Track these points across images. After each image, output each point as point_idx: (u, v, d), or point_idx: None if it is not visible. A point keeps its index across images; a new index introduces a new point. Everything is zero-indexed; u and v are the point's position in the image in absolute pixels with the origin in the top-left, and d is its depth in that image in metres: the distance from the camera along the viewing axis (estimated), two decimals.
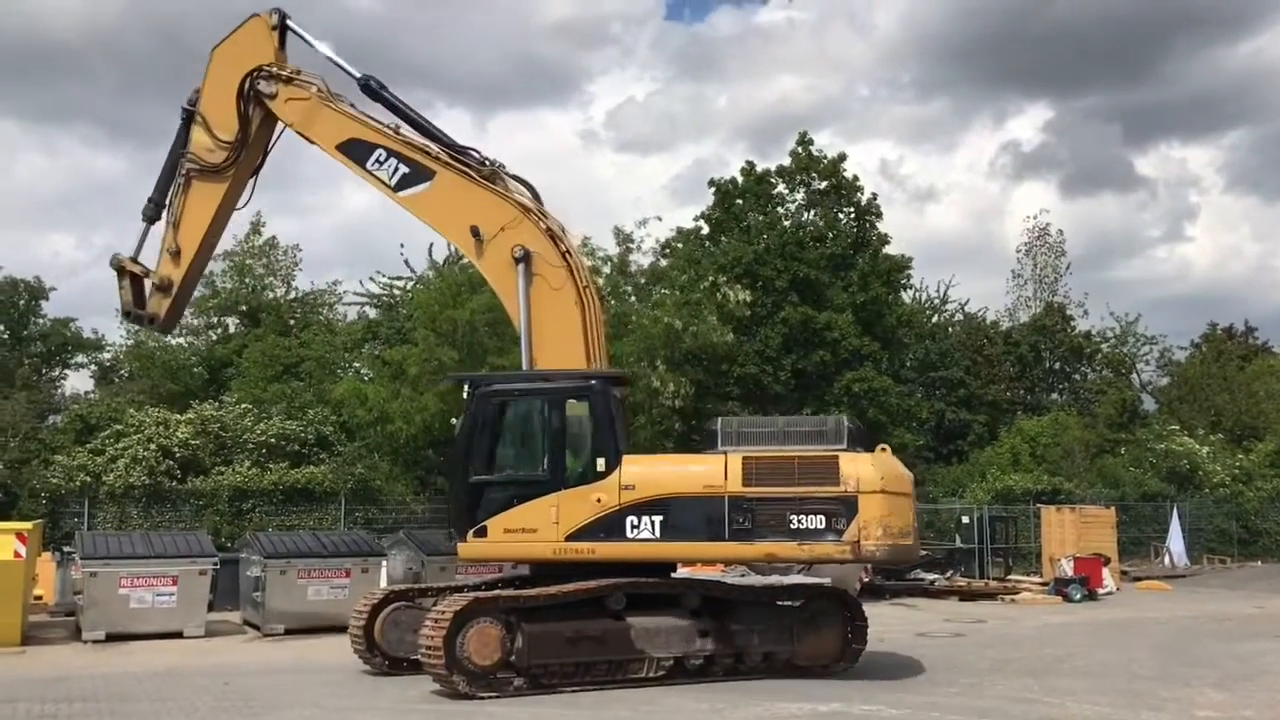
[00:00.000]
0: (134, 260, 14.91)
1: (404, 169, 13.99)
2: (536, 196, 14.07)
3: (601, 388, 12.89)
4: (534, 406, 13.00)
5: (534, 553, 12.52)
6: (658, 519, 12.23)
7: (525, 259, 13.38)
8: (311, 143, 14.52)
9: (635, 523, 12.24)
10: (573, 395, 12.85)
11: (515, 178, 14.16)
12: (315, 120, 14.38)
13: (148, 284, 14.85)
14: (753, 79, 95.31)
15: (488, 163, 14.01)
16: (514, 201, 13.82)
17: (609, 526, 12.24)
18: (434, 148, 14.05)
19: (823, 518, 12.03)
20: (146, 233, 14.98)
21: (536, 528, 12.32)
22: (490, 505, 12.53)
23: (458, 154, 14.04)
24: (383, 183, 14.03)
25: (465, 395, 13.18)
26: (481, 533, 12.45)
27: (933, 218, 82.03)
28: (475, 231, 13.63)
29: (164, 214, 14.85)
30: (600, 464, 12.47)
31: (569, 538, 12.27)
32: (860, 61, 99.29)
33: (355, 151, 14.23)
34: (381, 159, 14.07)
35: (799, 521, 12.07)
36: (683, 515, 12.25)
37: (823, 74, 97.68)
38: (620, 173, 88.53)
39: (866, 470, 12.17)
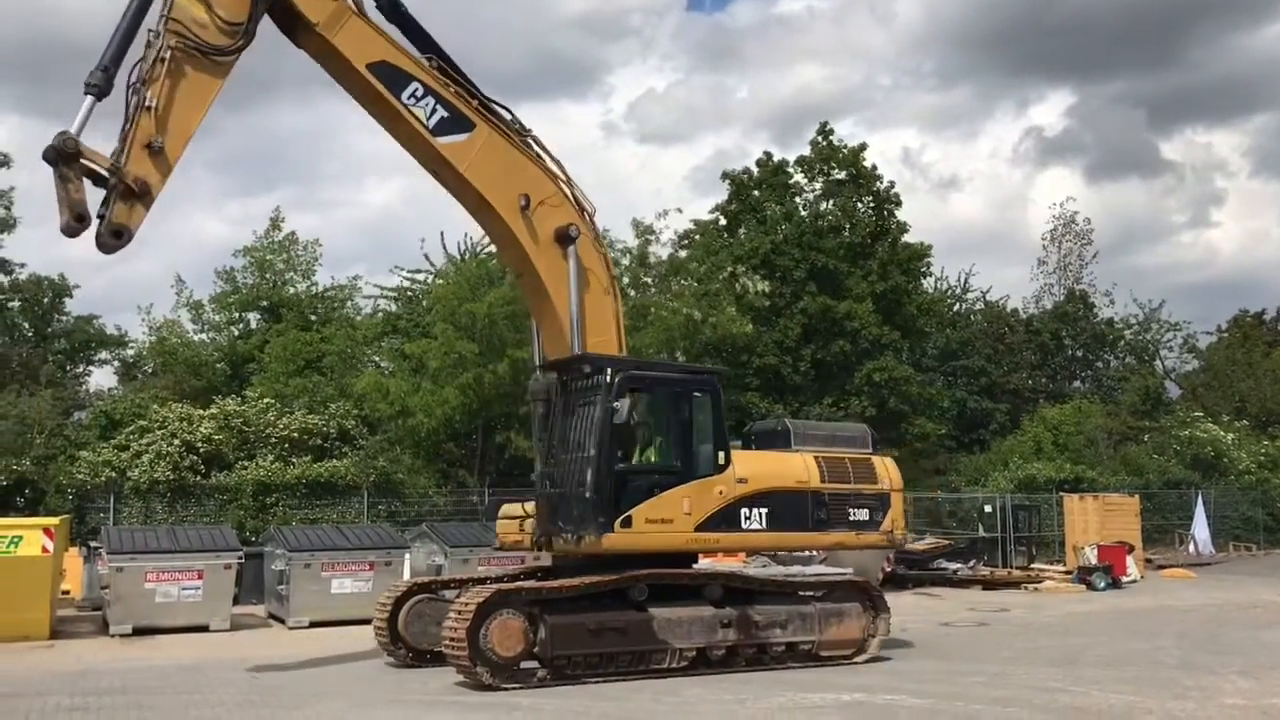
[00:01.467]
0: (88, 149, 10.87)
1: (442, 112, 12.53)
2: (566, 174, 13.47)
3: (719, 382, 13.39)
4: (669, 396, 13.03)
5: (672, 543, 12.55)
6: (765, 510, 12.96)
7: (572, 239, 13.11)
8: (333, 59, 12.35)
9: (748, 514, 12.85)
10: (697, 388, 13.10)
11: (546, 151, 13.38)
12: (344, 28, 12.28)
13: (111, 186, 11.03)
14: (774, 69, 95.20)
15: (521, 127, 13.19)
16: (555, 175, 13.29)
17: (728, 517, 12.73)
18: (469, 98, 12.86)
19: (868, 511, 13.80)
20: (91, 111, 11.00)
21: (672, 518, 12.42)
22: (634, 495, 12.25)
23: (493, 110, 13.10)
24: (420, 121, 12.46)
25: (606, 380, 12.32)
26: (627, 523, 12.16)
27: (956, 206, 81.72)
28: (525, 201, 12.93)
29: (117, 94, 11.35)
30: (721, 456, 12.81)
31: (698, 528, 12.56)
32: (881, 50, 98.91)
33: (388, 78, 12.38)
34: (419, 94, 12.45)
35: (854, 514, 13.73)
36: (783, 507, 13.13)
37: (844, 63, 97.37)
38: (641, 164, 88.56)
39: (894, 471, 14.44)
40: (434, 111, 12.45)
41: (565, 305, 13.01)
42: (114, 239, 10.97)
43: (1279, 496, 36.12)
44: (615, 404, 12.11)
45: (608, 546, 11.98)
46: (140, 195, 11.05)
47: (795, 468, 13.51)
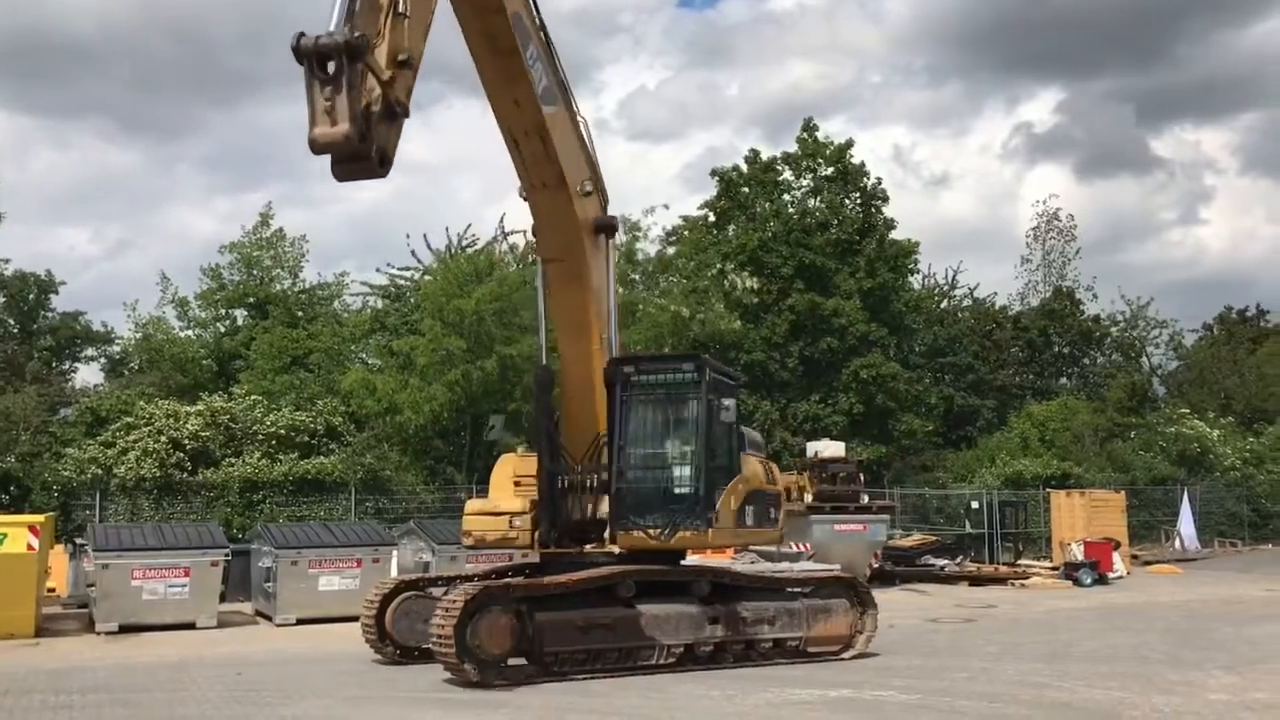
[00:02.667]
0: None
1: (545, 79, 11.97)
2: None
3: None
4: (731, 397, 13.27)
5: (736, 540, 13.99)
6: (753, 508, 13.41)
7: (613, 230, 13.29)
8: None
9: (748, 511, 13.33)
10: (736, 391, 13.98)
11: (591, 138, 13.01)
12: None
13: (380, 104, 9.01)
14: (764, 66, 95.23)
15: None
16: (595, 164, 13.09)
17: (741, 515, 13.15)
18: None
19: (770, 510, 14.09)
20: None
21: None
22: (716, 494, 12.68)
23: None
24: (534, 84, 11.70)
25: (708, 380, 12.81)
26: (716, 519, 12.53)
27: (946, 203, 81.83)
28: (586, 185, 12.75)
29: None
30: (740, 457, 13.34)
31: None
32: (872, 48, 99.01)
33: (521, 31, 11.46)
34: (534, 57, 11.71)
35: (771, 514, 14.10)
36: (759, 505, 13.62)
37: (835, 61, 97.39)
38: (632, 161, 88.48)
39: (781, 476, 15.22)
40: (541, 77, 11.84)
41: (599, 295, 12.99)
42: (381, 166, 9.16)
43: (1264, 493, 36.29)
44: (725, 404, 12.70)
45: (713, 540, 12.88)
46: (398, 116, 9.34)
47: (761, 469, 14.07)
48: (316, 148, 8.57)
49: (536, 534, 12.66)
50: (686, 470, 12.62)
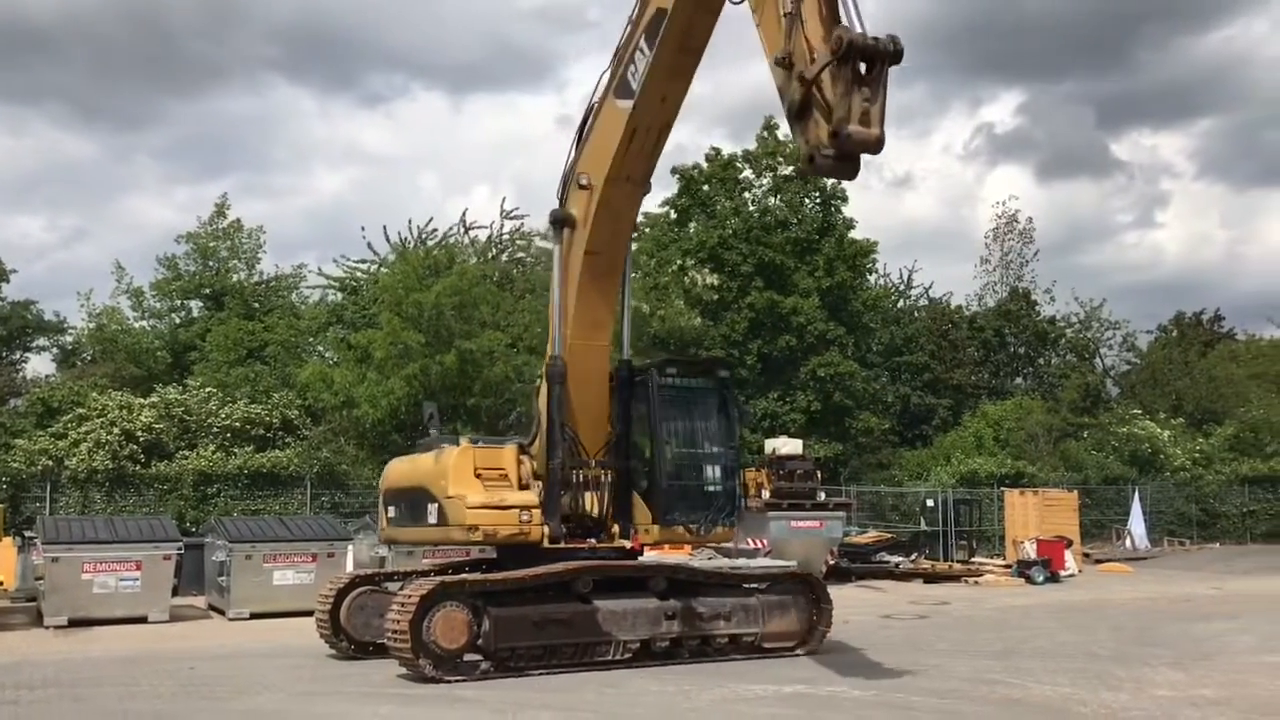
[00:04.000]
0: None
1: None
2: None
3: None
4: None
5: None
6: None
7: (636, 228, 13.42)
8: None
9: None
10: None
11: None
12: None
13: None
14: (731, 65, 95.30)
15: None
16: None
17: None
18: None
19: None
20: None
21: None
22: (739, 490, 13.38)
23: None
24: (688, 88, 12.13)
25: (723, 381, 13.50)
26: (740, 515, 13.26)
27: (909, 204, 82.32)
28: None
29: None
30: None
31: None
32: None
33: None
34: None
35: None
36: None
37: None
38: None
39: None
40: None
41: (621, 287, 13.32)
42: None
43: (1212, 493, 36.89)
44: (748, 407, 12.90)
45: (734, 535, 13.65)
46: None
47: None
48: (849, 145, 9.06)
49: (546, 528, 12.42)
50: (719, 469, 13.22)
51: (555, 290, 12.73)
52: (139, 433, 25.57)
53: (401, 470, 14.04)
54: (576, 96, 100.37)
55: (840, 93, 9.00)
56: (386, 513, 14.06)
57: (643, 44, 11.76)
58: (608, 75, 12.25)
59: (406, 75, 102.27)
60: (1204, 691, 10.83)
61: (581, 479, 12.64)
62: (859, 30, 9.09)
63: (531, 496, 12.49)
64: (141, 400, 26.91)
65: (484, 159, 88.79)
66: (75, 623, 16.11)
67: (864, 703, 10.31)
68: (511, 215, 37.52)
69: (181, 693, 10.92)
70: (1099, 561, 29.66)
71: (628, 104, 11.91)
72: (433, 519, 12.70)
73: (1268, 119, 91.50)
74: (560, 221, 12.68)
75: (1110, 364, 51.11)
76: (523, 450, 12.95)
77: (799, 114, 9.53)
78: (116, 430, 25.26)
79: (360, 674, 11.99)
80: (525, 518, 12.31)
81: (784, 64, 9.79)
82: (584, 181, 12.41)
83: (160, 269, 38.75)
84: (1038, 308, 47.86)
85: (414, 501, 13.13)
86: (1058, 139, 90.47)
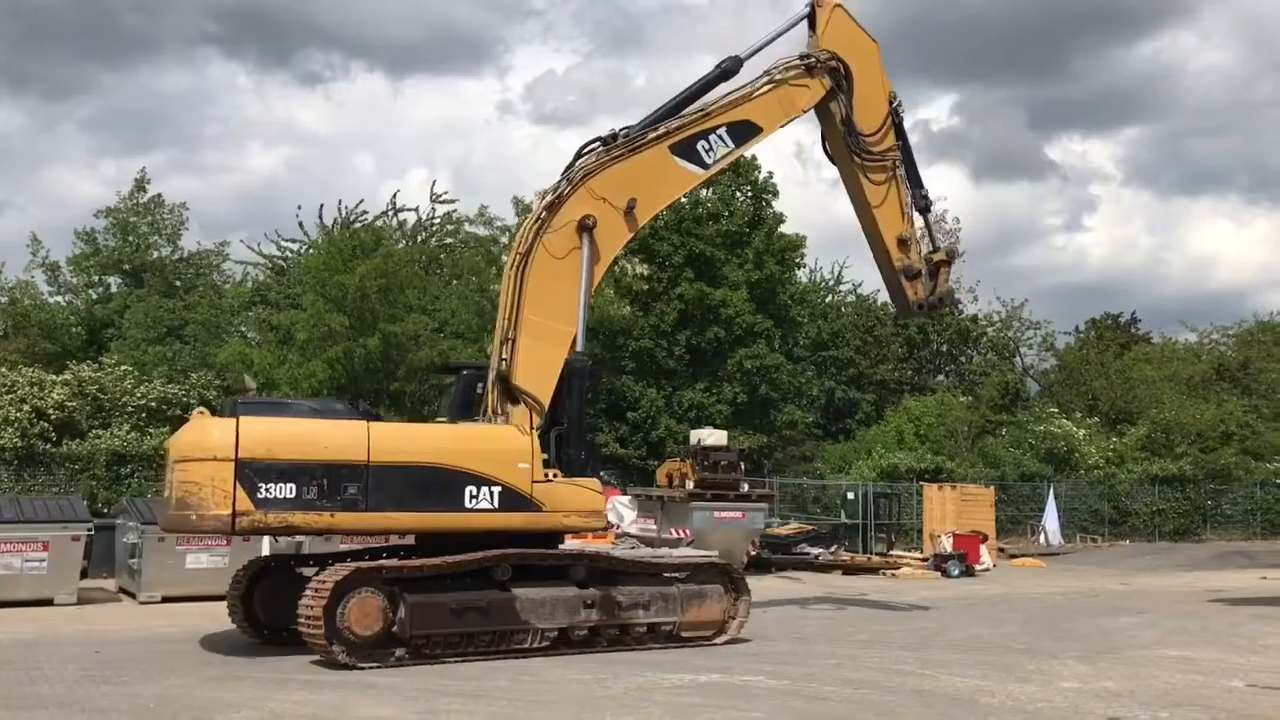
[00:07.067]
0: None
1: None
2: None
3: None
4: None
5: None
6: None
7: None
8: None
9: None
10: None
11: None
12: None
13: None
14: (673, 56, 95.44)
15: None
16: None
17: None
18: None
19: None
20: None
21: None
22: None
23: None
24: None
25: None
26: None
27: (844, 202, 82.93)
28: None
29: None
30: None
31: None
32: (779, 45, 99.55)
33: None
34: None
35: None
36: None
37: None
38: (536, 145, 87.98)
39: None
40: None
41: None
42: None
43: (1124, 491, 37.79)
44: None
45: None
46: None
47: None
48: (943, 307, 18.76)
49: None
50: None
51: (583, 290, 13.53)
52: (50, 410, 24.92)
53: None
54: (519, 83, 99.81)
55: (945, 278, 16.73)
56: None
57: (725, 135, 14.69)
58: (666, 126, 14.34)
59: (345, 55, 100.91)
60: (1108, 684, 11.08)
61: None
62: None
63: None
64: (54, 377, 26.22)
65: (421, 142, 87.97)
66: None
67: (778, 692, 10.38)
68: (441, 199, 37.21)
69: (85, 677, 10.66)
70: (1013, 557, 30.24)
71: (695, 170, 14.57)
72: None
73: (1192, 129, 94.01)
74: (590, 229, 13.56)
75: (1030, 363, 52.14)
76: None
77: (911, 278, 16.24)
78: (26, 407, 24.59)
79: (272, 659, 11.80)
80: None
81: (904, 243, 16.22)
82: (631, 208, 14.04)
83: (78, 244, 37.79)
84: (961, 306, 48.64)
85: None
86: (991, 141, 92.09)
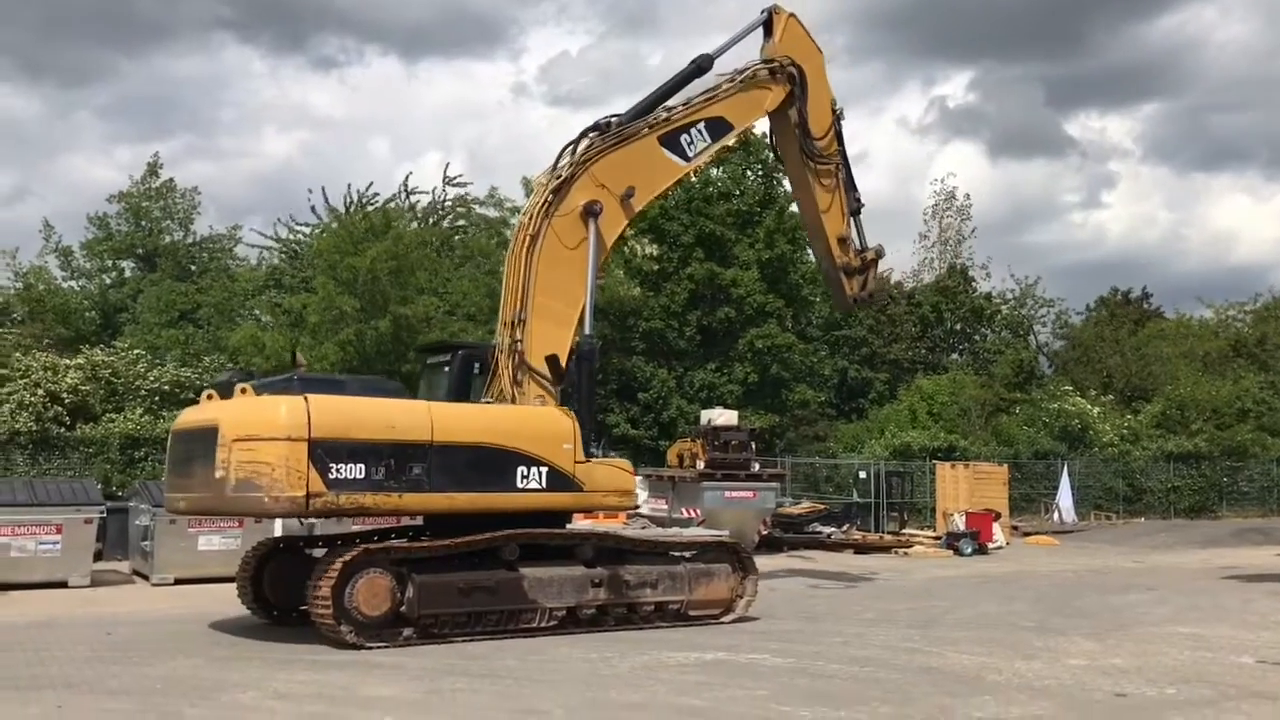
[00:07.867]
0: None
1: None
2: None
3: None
4: None
5: None
6: None
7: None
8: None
9: None
10: None
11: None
12: None
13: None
14: (688, 38, 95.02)
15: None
16: None
17: None
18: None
19: None
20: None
21: None
22: None
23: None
24: None
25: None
26: None
27: (862, 180, 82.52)
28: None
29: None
30: None
31: None
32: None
33: None
34: None
35: None
36: None
37: (757, 36, 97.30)
38: (551, 125, 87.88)
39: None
40: None
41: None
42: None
43: (1139, 469, 37.64)
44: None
45: None
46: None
47: None
48: (873, 301, 19.05)
49: None
50: None
51: (590, 274, 13.65)
52: (64, 394, 25.06)
53: None
54: (533, 65, 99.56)
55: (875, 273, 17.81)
56: None
57: (704, 130, 15.21)
58: (655, 118, 14.76)
59: (359, 38, 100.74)
60: (1116, 660, 11.06)
61: None
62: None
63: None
64: (67, 361, 26.36)
65: (436, 125, 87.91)
66: None
67: (783, 670, 10.40)
68: (454, 182, 37.20)
69: (95, 658, 10.74)
70: (1026, 534, 30.18)
71: (679, 162, 15.01)
72: None
73: (1212, 104, 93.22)
74: (596, 214, 13.78)
75: (1044, 341, 51.93)
76: None
77: (850, 274, 17.27)
78: (41, 391, 24.74)
79: (282, 640, 11.86)
80: None
81: (844, 242, 17.15)
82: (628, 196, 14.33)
83: (91, 229, 37.94)
84: (974, 284, 48.43)
85: None
86: (1008, 118, 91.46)
